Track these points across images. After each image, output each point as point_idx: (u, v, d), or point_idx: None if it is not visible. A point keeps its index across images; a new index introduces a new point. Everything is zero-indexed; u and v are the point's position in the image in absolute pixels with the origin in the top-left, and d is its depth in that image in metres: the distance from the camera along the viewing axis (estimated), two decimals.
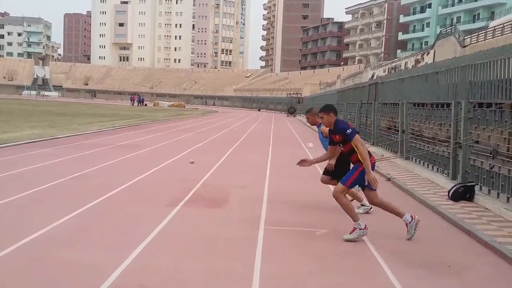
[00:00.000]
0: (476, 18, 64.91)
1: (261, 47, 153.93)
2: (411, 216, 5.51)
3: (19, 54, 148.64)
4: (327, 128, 6.36)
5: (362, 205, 6.84)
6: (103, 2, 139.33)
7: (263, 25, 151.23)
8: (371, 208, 6.69)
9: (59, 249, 4.69)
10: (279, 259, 4.68)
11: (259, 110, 77.05)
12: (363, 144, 5.36)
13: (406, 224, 5.50)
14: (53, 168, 9.76)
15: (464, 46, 31.61)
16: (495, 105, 7.76)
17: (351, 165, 5.62)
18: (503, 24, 29.86)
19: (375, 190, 5.50)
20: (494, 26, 31.77)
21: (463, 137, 8.42)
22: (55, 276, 4.00)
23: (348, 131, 5.32)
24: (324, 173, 6.94)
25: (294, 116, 53.09)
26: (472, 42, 32.11)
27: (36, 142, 14.22)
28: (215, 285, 3.95)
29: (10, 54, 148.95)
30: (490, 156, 7.59)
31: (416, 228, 5.51)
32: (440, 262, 4.77)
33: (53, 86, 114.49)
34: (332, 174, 6.70)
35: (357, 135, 5.34)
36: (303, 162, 6.04)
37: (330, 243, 5.31)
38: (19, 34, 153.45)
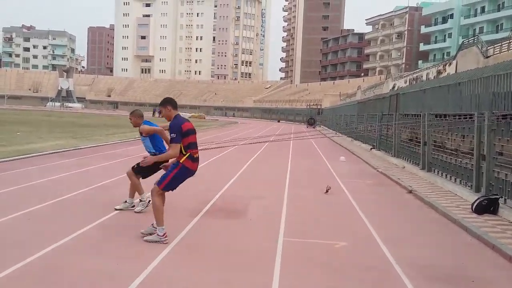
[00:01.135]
0: (499, 28, 63.97)
1: (281, 59, 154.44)
2: (164, 234, 5.41)
3: (44, 67, 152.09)
4: (145, 127, 6.84)
5: (141, 200, 7.05)
6: (126, 15, 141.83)
7: (283, 37, 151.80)
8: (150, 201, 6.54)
9: (80, 258, 4.73)
10: (297, 272, 4.63)
11: (278, 121, 77.05)
12: (175, 154, 5.40)
13: (155, 229, 5.46)
14: (75, 178, 9.90)
15: (487, 57, 31.15)
16: None
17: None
18: None
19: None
20: None
21: (487, 149, 8.26)
22: (75, 285, 4.03)
23: (173, 134, 5.33)
24: (133, 167, 7.14)
25: (313, 128, 52.89)
26: (495, 53, 31.64)
27: (58, 153, 14.46)
28: None
29: (35, 66, 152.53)
30: None
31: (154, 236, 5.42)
32: (464, 277, 4.66)
33: (76, 97, 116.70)
34: (138, 170, 7.01)
35: (176, 145, 5.33)
36: (145, 161, 6.03)
37: (350, 256, 5.24)
38: (44, 47, 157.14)
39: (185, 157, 5.46)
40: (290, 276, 4.47)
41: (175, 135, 5.35)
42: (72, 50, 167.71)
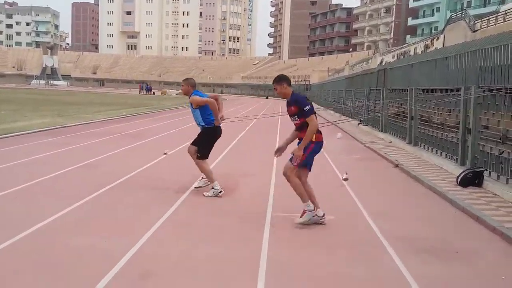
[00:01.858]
0: (487, 2, 63.79)
1: (269, 34, 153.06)
2: (315, 208, 5.35)
3: (28, 44, 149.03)
4: (198, 98, 6.59)
5: (203, 177, 6.95)
6: None
7: (270, 12, 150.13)
8: (220, 192, 6.67)
9: (68, 236, 4.74)
10: (286, 246, 4.69)
11: (267, 97, 76.84)
12: (315, 125, 5.20)
13: (305, 211, 5.34)
14: (62, 157, 9.83)
15: (475, 31, 31.18)
16: (505, 90, 7.67)
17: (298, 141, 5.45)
18: None
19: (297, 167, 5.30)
20: (505, 10, 31.31)
21: (473, 123, 8.34)
22: (64, 262, 4.05)
23: (306, 107, 5.21)
24: (192, 143, 7.01)
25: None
26: (482, 27, 31.68)
27: (45, 131, 14.31)
28: (222, 272, 3.97)
29: (18, 43, 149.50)
30: (499, 142, 7.52)
31: (315, 222, 5.34)
32: (448, 248, 4.76)
33: (61, 75, 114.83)
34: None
35: (313, 116, 5.22)
36: (279, 151, 5.70)
37: (337, 229, 5.31)
38: (28, 24, 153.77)
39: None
40: (279, 250, 4.53)
41: (308, 106, 5.24)
42: (56, 27, 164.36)
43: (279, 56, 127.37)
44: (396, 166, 9.93)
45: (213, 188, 6.76)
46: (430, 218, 5.99)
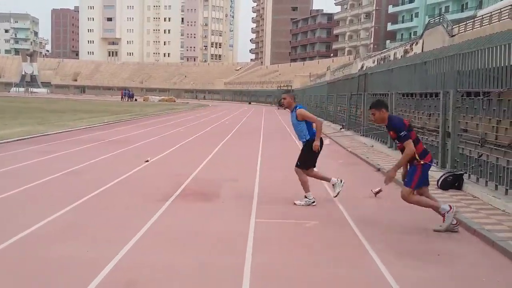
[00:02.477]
0: (464, 7, 65.04)
1: (251, 40, 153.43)
2: (449, 206, 5.47)
3: (7, 51, 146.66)
4: (305, 112, 6.65)
5: (306, 197, 6.81)
6: None
7: (252, 18, 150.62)
8: (313, 202, 6.72)
9: (51, 245, 4.68)
10: (270, 251, 4.70)
11: (249, 103, 76.94)
12: (411, 150, 5.34)
13: (443, 215, 5.45)
14: (43, 165, 9.70)
15: (453, 36, 31.74)
16: (483, 94, 7.83)
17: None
18: (491, 13, 29.99)
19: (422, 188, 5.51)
20: (482, 15, 31.93)
21: (452, 126, 8.49)
22: (46, 272, 4.00)
23: (402, 133, 5.34)
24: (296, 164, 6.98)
25: (284, 109, 53.04)
26: (460, 32, 32.26)
27: (25, 140, 14.11)
28: (206, 279, 3.97)
29: None
30: (478, 145, 7.66)
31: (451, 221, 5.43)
32: (430, 251, 4.82)
33: (41, 82, 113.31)
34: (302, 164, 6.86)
35: (409, 141, 5.33)
36: (388, 180, 5.68)
37: (320, 234, 5.35)
38: (6, 31, 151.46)
39: (419, 158, 5.42)
40: (263, 256, 4.54)
41: (404, 133, 5.34)
42: (36, 34, 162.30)
43: (261, 62, 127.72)
44: (378, 170, 10.03)
45: (306, 197, 6.77)
46: (412, 221, 6.06)
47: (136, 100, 70.56)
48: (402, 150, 5.56)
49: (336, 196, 6.98)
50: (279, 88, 67.70)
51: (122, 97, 71.18)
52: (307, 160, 6.89)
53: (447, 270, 4.30)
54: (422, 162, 5.42)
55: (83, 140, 14.54)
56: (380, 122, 5.69)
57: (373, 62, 43.74)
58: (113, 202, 6.66)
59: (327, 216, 6.14)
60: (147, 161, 10.44)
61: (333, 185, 7.00)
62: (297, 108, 6.87)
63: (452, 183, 7.71)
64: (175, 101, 74.45)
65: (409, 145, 5.35)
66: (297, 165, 6.89)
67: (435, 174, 8.72)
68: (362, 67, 43.97)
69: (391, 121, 5.53)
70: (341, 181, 6.97)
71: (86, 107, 41.16)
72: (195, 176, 8.87)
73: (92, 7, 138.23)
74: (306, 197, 6.78)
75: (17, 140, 13.84)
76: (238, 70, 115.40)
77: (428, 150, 5.68)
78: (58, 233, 5.12)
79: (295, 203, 6.72)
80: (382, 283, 3.95)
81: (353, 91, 18.96)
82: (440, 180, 7.83)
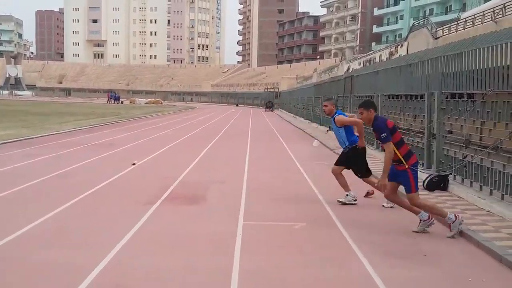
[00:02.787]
0: (448, 10, 65.84)
1: (238, 42, 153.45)
2: (455, 216, 5.42)
3: None
4: (343, 118, 6.77)
5: (347, 195, 6.95)
6: None
7: (239, 20, 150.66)
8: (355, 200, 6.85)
9: (37, 249, 4.63)
10: (258, 254, 4.71)
11: (237, 105, 76.90)
12: (390, 152, 5.37)
13: (449, 225, 5.42)
14: (28, 169, 9.59)
15: (437, 38, 32.11)
16: (467, 96, 7.93)
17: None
18: (474, 15, 30.42)
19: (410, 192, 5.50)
20: (466, 18, 32.36)
21: (437, 128, 8.58)
22: (33, 277, 3.95)
23: (383, 135, 5.38)
24: (336, 163, 7.17)
25: (272, 111, 53.20)
26: (444, 34, 32.65)
27: (10, 143, 13.93)
28: (194, 282, 3.96)
29: None
30: (463, 146, 7.75)
31: (458, 228, 5.38)
32: (416, 251, 4.87)
33: (26, 85, 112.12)
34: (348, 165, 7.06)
35: (389, 143, 5.36)
36: (383, 187, 5.65)
37: (308, 236, 5.37)
38: None
39: (404, 160, 5.45)
40: (251, 258, 4.54)
41: (385, 134, 5.35)
42: (20, 35, 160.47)
43: (248, 64, 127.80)
44: None
45: (347, 195, 6.93)
46: (398, 222, 6.11)
47: (122, 102, 70.09)
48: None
49: (341, 203, 6.95)
50: (266, 90, 67.79)
51: (108, 100, 70.67)
52: (361, 167, 7.06)
53: (434, 271, 4.35)
54: (407, 167, 5.47)
55: (69, 143, 14.40)
56: (367, 122, 5.73)
57: (359, 64, 44.06)
58: (100, 205, 6.61)
59: (315, 218, 6.16)
60: (133, 164, 10.37)
61: (346, 195, 7.01)
62: (336, 114, 7.01)
63: (438, 183, 7.80)
64: (162, 103, 74.10)
65: (388, 147, 5.39)
66: (362, 176, 7.11)
67: (421, 175, 8.80)
68: (348, 69, 44.24)
69: (375, 121, 5.60)
70: (354, 200, 6.97)
71: (72, 109, 40.78)
72: (183, 179, 8.84)
73: (77, 9, 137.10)
74: (347, 195, 6.94)
75: (1, 143, 13.65)
76: (225, 72, 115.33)
77: (412, 152, 5.73)
78: (45, 237, 5.06)
79: (338, 201, 6.89)
80: (369, 284, 3.98)
81: (339, 93, 19.07)
82: (426, 181, 7.91)
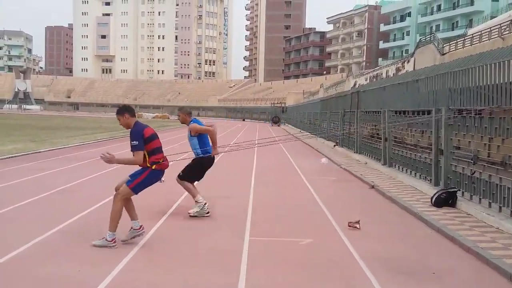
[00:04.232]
0: (454, 26, 66.03)
1: (245, 57, 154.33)
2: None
3: (0, 68, 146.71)
4: (197, 126, 6.91)
5: (196, 202, 6.92)
6: (85, 14, 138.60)
7: (246, 36, 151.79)
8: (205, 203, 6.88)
9: (41, 265, 4.61)
10: (264, 270, 4.66)
11: (243, 120, 77.10)
12: (137, 160, 5.32)
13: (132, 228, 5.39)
14: (35, 183, 9.62)
15: (443, 54, 32.12)
16: (475, 112, 7.89)
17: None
18: (481, 31, 30.44)
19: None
20: (472, 34, 32.38)
21: (445, 144, 8.53)
22: None
23: (133, 142, 5.27)
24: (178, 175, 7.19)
25: (278, 126, 53.24)
26: (451, 50, 32.64)
27: (17, 157, 14.00)
28: None
29: None
30: (471, 162, 7.69)
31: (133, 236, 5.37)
32: (424, 269, 4.80)
33: (34, 99, 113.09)
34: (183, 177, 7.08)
35: (138, 152, 5.27)
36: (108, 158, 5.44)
37: (315, 252, 5.31)
38: (0, 48, 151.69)
39: (150, 164, 5.40)
40: (256, 274, 4.49)
41: (137, 142, 5.27)
42: (29, 51, 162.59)
43: (255, 79, 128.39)
44: (372, 187, 10.04)
45: (196, 202, 6.89)
46: (406, 238, 6.05)
47: None
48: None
49: (191, 215, 6.85)
50: (272, 105, 67.95)
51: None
52: (192, 174, 7.09)
53: None
54: (153, 167, 5.37)
55: (75, 158, 14.45)
56: (127, 128, 5.55)
57: (366, 80, 44.11)
58: (106, 220, 6.58)
59: (322, 234, 6.11)
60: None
61: (196, 201, 6.95)
62: (191, 123, 7.06)
63: (446, 200, 7.73)
64: (169, 118, 74.42)
65: (138, 156, 5.27)
66: (179, 176, 7.07)
67: (429, 191, 8.74)
68: (354, 84, 44.33)
69: (133, 128, 5.44)
70: (204, 204, 6.89)
71: (80, 124, 41.03)
72: (189, 194, 8.80)
73: (86, 25, 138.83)
74: (196, 201, 6.88)
75: (9, 157, 13.73)
76: (232, 87, 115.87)
77: (165, 157, 5.60)
78: (50, 252, 5.05)
79: (189, 213, 6.84)
80: None
81: (346, 108, 19.06)
82: (434, 197, 7.85)
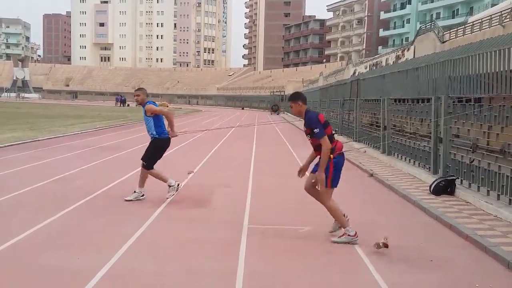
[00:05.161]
0: (455, 13, 65.62)
1: (244, 45, 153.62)
2: (355, 234, 5.19)
3: None
4: (153, 107, 6.89)
5: (169, 185, 7.13)
6: (83, 2, 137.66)
7: (245, 24, 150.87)
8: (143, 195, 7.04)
9: (39, 254, 4.61)
10: (262, 258, 4.67)
11: (242, 108, 76.93)
12: (328, 146, 5.14)
13: (345, 234, 5.27)
14: (33, 171, 9.61)
15: (444, 42, 31.94)
16: (474, 100, 7.87)
17: (317, 158, 5.38)
18: (482, 19, 30.25)
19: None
20: (473, 22, 32.16)
21: (444, 132, 8.51)
22: (35, 281, 3.94)
23: (316, 130, 5.12)
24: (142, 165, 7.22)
25: (277, 114, 53.14)
26: (451, 38, 32.46)
27: (16, 145, 13.98)
28: (198, 286, 3.92)
29: None
30: (470, 150, 7.69)
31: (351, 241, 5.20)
32: (423, 257, 4.81)
33: (33, 87, 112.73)
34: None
35: (325, 137, 5.12)
36: (302, 172, 5.61)
37: (314, 240, 5.32)
38: None
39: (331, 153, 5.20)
40: (255, 262, 4.50)
41: (318, 128, 5.12)
42: (27, 39, 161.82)
43: (254, 67, 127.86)
44: (371, 175, 10.04)
45: (135, 191, 7.09)
46: (405, 226, 6.06)
47: (128, 105, 70.26)
48: (315, 147, 5.36)
49: (168, 198, 7.07)
50: (271, 94, 67.76)
51: (116, 103, 70.89)
52: (152, 159, 7.12)
53: (441, 276, 4.29)
54: (332, 157, 5.21)
55: (74, 146, 14.43)
56: (297, 115, 5.44)
57: (365, 68, 43.93)
58: (104, 209, 6.59)
59: (320, 222, 6.11)
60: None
61: (169, 186, 7.15)
62: (147, 104, 7.06)
63: (445, 188, 7.74)
64: (167, 106, 74.16)
65: (325, 142, 5.12)
66: (144, 166, 7.13)
67: (427, 179, 8.74)
68: (354, 72, 44.16)
69: (307, 117, 5.28)
70: (178, 185, 7.18)
71: (78, 112, 40.93)
72: (188, 182, 8.82)
73: (84, 12, 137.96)
74: (169, 185, 7.12)
75: (7, 146, 13.71)
76: (231, 75, 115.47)
77: (336, 140, 5.39)
78: (48, 240, 5.05)
79: (125, 199, 6.98)
80: None
81: (345, 96, 19.01)
82: (433, 186, 7.86)
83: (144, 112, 7.09)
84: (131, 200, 6.98)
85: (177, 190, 7.22)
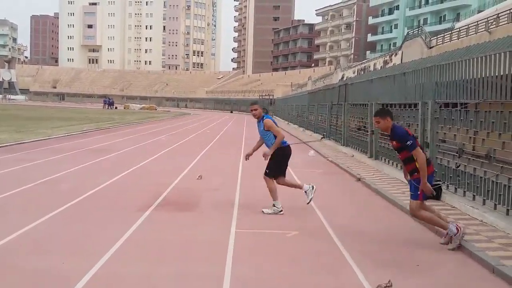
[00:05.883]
0: (442, 19, 66.39)
1: (233, 49, 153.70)
2: (457, 228, 5.23)
3: None
4: (272, 125, 6.79)
5: (274, 205, 6.88)
6: (71, 3, 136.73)
7: (234, 27, 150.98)
8: (281, 211, 6.78)
9: (25, 257, 4.56)
10: (250, 261, 4.67)
11: (231, 112, 76.91)
12: (423, 156, 5.16)
13: (451, 237, 5.26)
14: (19, 174, 9.50)
15: (431, 47, 32.30)
16: (460, 105, 7.95)
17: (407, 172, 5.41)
18: (468, 25, 30.65)
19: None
20: (460, 28, 32.60)
21: (430, 137, 8.59)
22: (20, 285, 3.89)
23: (408, 142, 5.14)
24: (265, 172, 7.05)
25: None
26: (438, 43, 32.85)
27: (2, 147, 13.81)
28: None
29: None
30: (456, 155, 7.76)
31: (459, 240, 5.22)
32: (409, 261, 4.85)
33: (19, 89, 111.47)
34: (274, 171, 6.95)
35: (417, 148, 5.16)
36: (428, 190, 5.38)
37: (301, 244, 5.33)
38: None
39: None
40: (243, 266, 4.50)
41: (411, 140, 5.14)
42: (14, 40, 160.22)
43: (243, 71, 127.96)
44: (358, 180, 10.09)
45: (274, 206, 6.81)
46: (392, 231, 6.09)
47: (116, 108, 69.84)
48: (404, 160, 5.39)
49: (309, 203, 6.99)
50: (260, 97, 67.89)
51: (104, 106, 70.38)
52: (275, 168, 6.96)
53: (426, 280, 4.33)
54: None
55: (61, 149, 14.31)
56: (384, 130, 5.52)
57: (354, 73, 44.23)
58: (91, 212, 6.54)
59: (307, 226, 6.13)
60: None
61: (305, 192, 7.02)
62: (264, 118, 6.98)
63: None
64: (156, 109, 73.88)
65: (420, 154, 5.16)
66: (265, 173, 6.97)
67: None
68: (342, 77, 44.41)
69: (395, 131, 5.32)
70: (312, 187, 7.02)
71: (65, 114, 40.59)
72: (176, 186, 8.80)
73: (72, 14, 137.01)
74: (274, 205, 6.83)
75: None
76: (220, 78, 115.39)
77: (430, 160, 5.47)
78: (33, 244, 5.00)
79: (263, 211, 6.76)
80: None
81: (333, 101, 19.09)
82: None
83: (262, 126, 6.96)
84: (269, 213, 6.73)
85: (314, 191, 6.97)
